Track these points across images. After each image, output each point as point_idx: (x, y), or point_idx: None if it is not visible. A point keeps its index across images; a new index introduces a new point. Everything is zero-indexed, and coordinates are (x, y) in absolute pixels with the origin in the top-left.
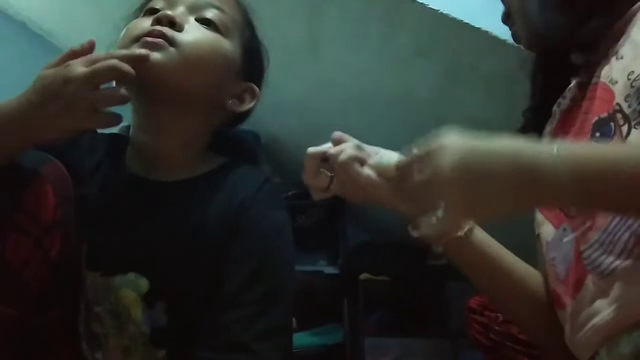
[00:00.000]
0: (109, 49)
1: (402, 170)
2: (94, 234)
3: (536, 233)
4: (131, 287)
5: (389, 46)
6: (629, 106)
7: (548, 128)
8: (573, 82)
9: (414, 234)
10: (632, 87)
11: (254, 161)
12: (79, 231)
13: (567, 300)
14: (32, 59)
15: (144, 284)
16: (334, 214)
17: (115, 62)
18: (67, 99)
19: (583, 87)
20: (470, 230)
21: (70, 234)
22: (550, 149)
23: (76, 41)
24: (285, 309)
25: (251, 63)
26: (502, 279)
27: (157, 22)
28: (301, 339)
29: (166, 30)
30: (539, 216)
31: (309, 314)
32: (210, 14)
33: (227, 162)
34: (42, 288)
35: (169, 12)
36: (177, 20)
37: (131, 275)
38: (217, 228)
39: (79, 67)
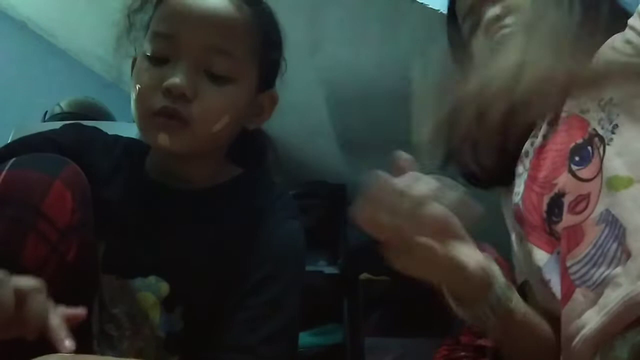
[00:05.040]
0: (109, 49)
1: None
2: (111, 237)
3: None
4: (151, 290)
5: (389, 46)
6: (602, 128)
7: (521, 168)
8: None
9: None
10: (603, 111)
11: (269, 168)
12: (96, 234)
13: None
14: (32, 59)
15: (164, 287)
16: (334, 214)
17: None
18: None
19: (553, 124)
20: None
21: (87, 237)
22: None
23: (76, 41)
24: (292, 315)
25: (269, 72)
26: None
27: (168, 92)
28: (301, 339)
29: (179, 107)
30: (528, 245)
31: (309, 314)
32: (218, 66)
33: (245, 172)
34: (58, 292)
35: (178, 82)
36: (188, 93)
37: (152, 279)
38: (235, 235)
39: None
